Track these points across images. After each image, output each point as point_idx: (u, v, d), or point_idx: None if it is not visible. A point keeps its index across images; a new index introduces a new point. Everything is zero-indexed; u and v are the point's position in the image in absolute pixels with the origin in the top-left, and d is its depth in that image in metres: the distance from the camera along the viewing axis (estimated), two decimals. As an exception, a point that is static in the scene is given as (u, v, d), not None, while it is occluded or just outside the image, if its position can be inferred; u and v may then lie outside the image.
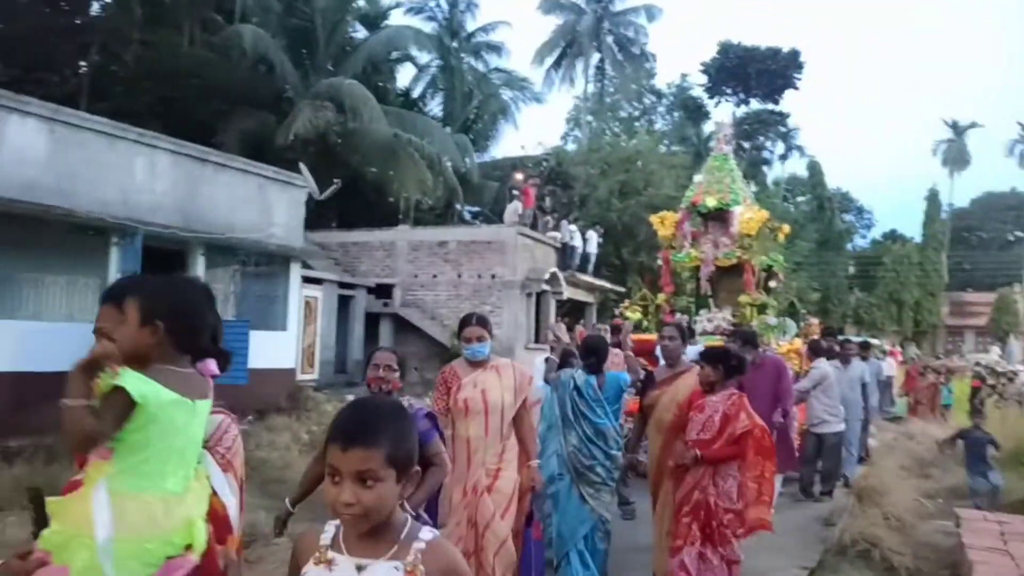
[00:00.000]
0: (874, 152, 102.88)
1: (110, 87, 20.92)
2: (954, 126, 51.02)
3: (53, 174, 9.56)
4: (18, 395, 8.76)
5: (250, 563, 5.25)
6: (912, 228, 47.21)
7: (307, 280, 14.35)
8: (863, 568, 5.50)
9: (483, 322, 3.95)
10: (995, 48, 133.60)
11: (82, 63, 20.80)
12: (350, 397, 12.60)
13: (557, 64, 37.63)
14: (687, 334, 5.08)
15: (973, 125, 50.91)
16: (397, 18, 27.44)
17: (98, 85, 20.68)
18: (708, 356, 4.54)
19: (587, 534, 4.69)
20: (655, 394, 4.82)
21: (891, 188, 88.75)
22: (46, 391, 9.81)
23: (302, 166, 15.27)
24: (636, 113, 42.67)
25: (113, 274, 10.15)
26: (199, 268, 11.60)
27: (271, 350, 12.15)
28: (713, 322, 8.99)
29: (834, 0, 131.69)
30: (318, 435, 9.54)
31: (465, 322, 3.98)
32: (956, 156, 50.46)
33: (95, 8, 22.24)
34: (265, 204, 12.88)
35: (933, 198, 42.22)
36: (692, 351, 7.46)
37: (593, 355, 5.13)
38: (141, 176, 10.79)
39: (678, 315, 9.27)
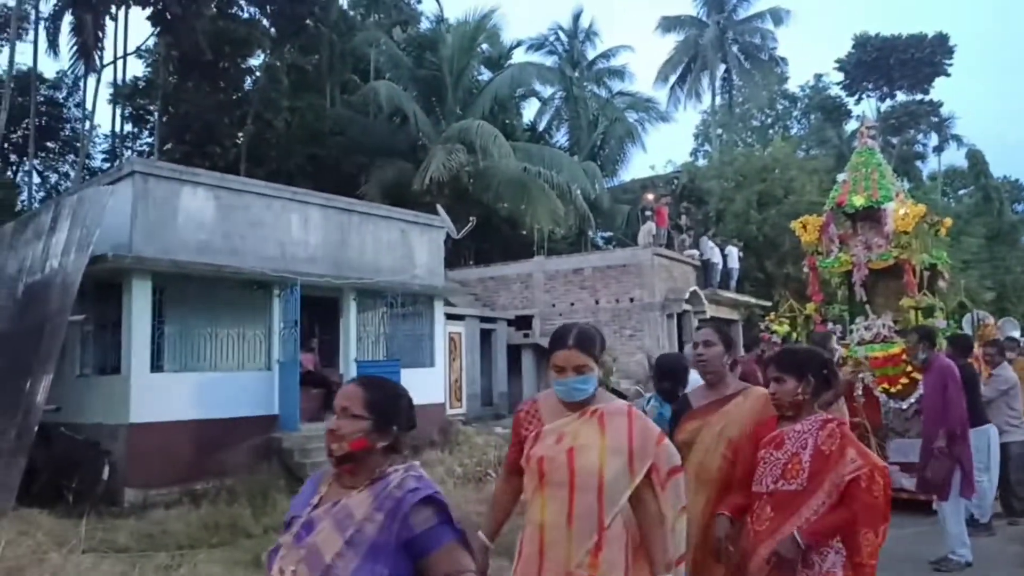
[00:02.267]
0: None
1: (265, 152, 22.96)
2: None
3: (221, 235, 10.57)
4: (200, 441, 9.65)
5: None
6: (1102, 212, 41.97)
7: (450, 317, 14.84)
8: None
9: (585, 342, 2.55)
10: None
11: (239, 134, 22.91)
12: (498, 430, 12.88)
13: (681, 80, 37.06)
14: (731, 340, 3.44)
15: None
16: (519, 56, 28.26)
17: (254, 152, 22.72)
18: (785, 362, 3.03)
19: None
20: (692, 427, 3.28)
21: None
22: (224, 436, 10.76)
23: (439, 208, 15.93)
24: (769, 120, 41.15)
25: (277, 323, 11.02)
26: (351, 311, 12.33)
27: (421, 386, 12.61)
28: (872, 329, 8.40)
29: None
30: (471, 468, 9.79)
31: (557, 340, 2.58)
32: None
33: (248, 83, 24.52)
34: (407, 247, 13.53)
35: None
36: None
37: (668, 379, 4.07)
38: (296, 231, 11.68)
39: (830, 325, 8.76)
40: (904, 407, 7.73)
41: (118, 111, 24.67)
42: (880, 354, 7.96)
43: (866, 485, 2.76)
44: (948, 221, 9.41)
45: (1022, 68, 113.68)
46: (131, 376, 9.38)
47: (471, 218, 17.65)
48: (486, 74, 26.24)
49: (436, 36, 24.64)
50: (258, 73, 24.26)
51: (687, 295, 17.17)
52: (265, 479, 9.23)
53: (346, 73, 25.61)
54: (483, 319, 16.91)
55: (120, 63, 23.82)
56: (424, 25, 28.43)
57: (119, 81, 24.12)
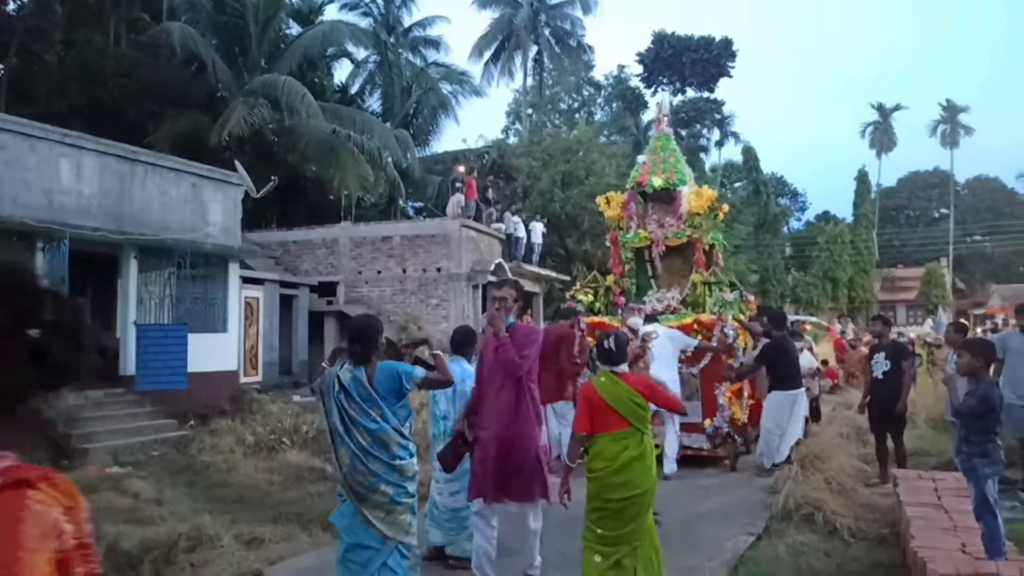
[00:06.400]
0: (806, 137, 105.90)
1: (32, 89, 20.09)
2: (880, 109, 52.73)
3: (-30, 178, 9.14)
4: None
5: (195, 567, 5.13)
6: (843, 209, 48.85)
7: (247, 281, 14.03)
8: (807, 531, 5.66)
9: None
10: (917, 31, 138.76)
11: (0, 65, 19.91)
12: (296, 398, 12.43)
13: (496, 58, 37.56)
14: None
15: (898, 107, 52.73)
16: (332, 13, 27.04)
17: (19, 87, 19.83)
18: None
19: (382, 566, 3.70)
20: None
21: (823, 171, 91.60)
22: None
23: (237, 164, 14.91)
24: (575, 105, 42.97)
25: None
26: (132, 271, 11.24)
27: (211, 353, 11.85)
28: (663, 302, 9.08)
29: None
30: (264, 436, 9.37)
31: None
32: (883, 138, 52.20)
33: (11, 7, 21.31)
34: (200, 204, 12.54)
35: (862, 179, 43.72)
36: (656, 329, 7.56)
37: (356, 342, 3.87)
38: (67, 178, 10.39)
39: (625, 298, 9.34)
40: (694, 372, 8.42)
41: None
42: (674, 324, 8.47)
43: None
44: (727, 207, 10.36)
45: (793, 76, 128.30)
46: None
47: (272, 178, 16.70)
48: (296, 28, 24.84)
49: (239, -20, 22.87)
50: (24, -1, 21.15)
51: (492, 267, 17.57)
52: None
53: (134, 11, 23.02)
54: (284, 284, 16.17)
55: None
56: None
57: None
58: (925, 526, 5.40)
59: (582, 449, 4.14)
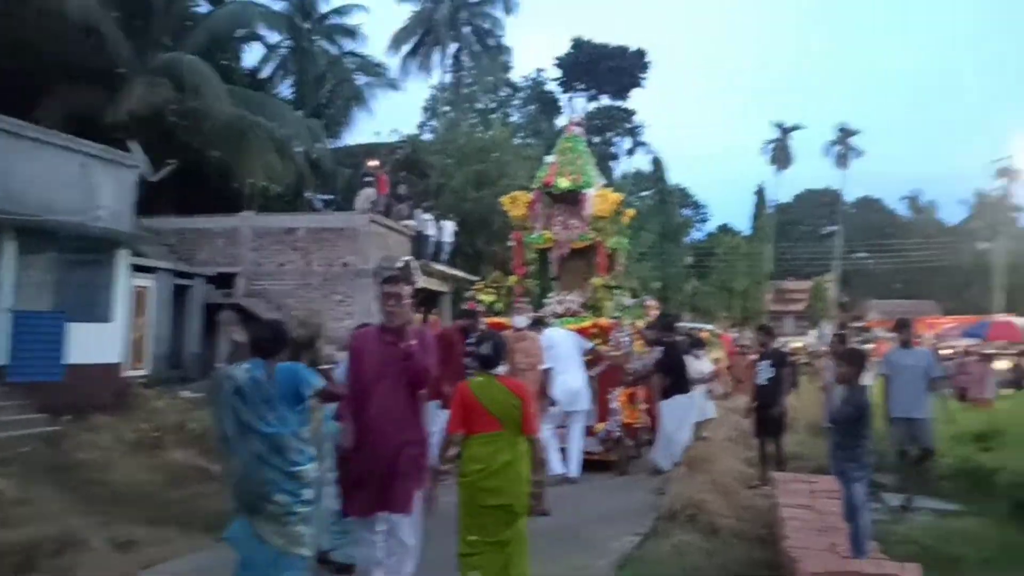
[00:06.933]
0: (711, 151, 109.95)
1: None
2: (780, 127, 55.52)
3: None
4: None
5: (61, 572, 4.83)
6: (742, 222, 51.16)
7: (138, 269, 13.33)
8: (691, 531, 5.86)
9: None
10: (816, 53, 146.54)
11: None
12: (185, 393, 11.88)
13: (414, 52, 37.22)
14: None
15: (796, 127, 55.69)
16: (243, -7, 26.00)
17: None
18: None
19: None
20: None
21: (725, 184, 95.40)
22: None
23: (133, 144, 14.15)
24: (493, 105, 43.07)
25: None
26: (11, 254, 10.47)
27: (93, 343, 11.18)
28: (563, 304, 9.17)
29: (681, 4, 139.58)
30: (146, 434, 8.90)
31: None
32: (781, 155, 54.95)
33: None
34: (89, 185, 11.82)
35: (761, 194, 45.87)
36: (548, 334, 7.63)
37: (266, 340, 3.75)
38: (-66, 150, 9.58)
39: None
40: (592, 375, 8.49)
41: None
42: (573, 327, 8.56)
43: None
44: (631, 212, 10.55)
45: (702, 92, 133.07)
46: None
47: (169, 161, 15.93)
48: (205, 6, 23.80)
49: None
50: None
51: (400, 264, 17.36)
52: None
53: (23, -28, 21.45)
54: (178, 274, 15.46)
55: None
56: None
57: None
58: (798, 527, 5.68)
59: (455, 452, 4.09)
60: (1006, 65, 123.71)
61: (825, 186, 60.19)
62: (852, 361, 5.07)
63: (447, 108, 38.28)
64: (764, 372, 7.94)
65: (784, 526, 5.61)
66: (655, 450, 8.10)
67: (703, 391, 8.63)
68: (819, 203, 59.89)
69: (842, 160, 55.60)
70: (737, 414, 11.19)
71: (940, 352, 17.43)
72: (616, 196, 9.69)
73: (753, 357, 15.38)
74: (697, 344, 9.15)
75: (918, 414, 7.31)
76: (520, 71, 43.86)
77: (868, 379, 12.58)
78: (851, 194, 60.58)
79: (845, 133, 55.32)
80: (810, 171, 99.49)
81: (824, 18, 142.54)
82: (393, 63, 35.06)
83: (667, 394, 8.02)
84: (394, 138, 28.08)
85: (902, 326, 7.96)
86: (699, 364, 8.64)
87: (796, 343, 27.19)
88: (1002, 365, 17.11)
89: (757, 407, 8.02)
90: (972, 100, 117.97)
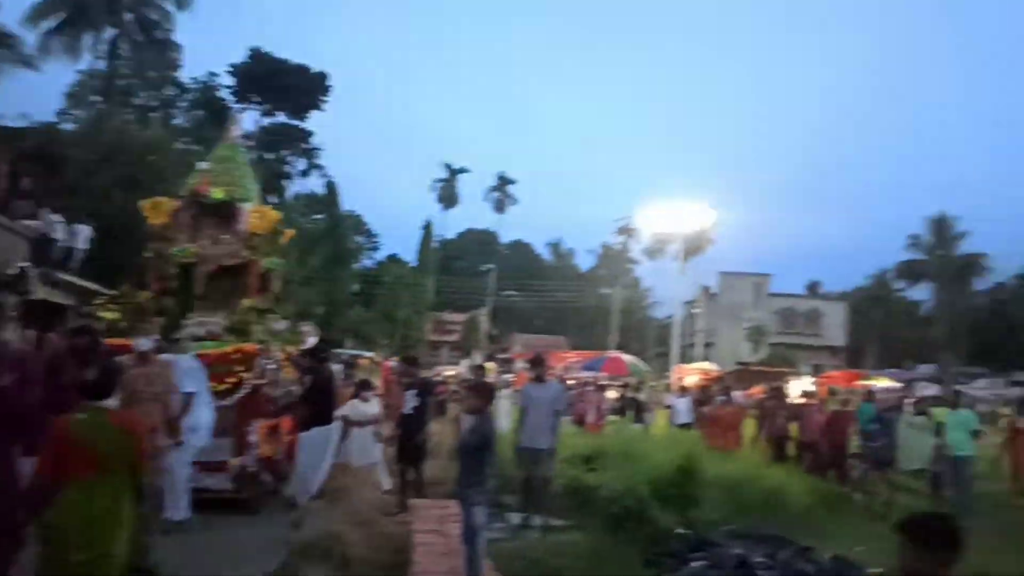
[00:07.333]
0: (388, 183, 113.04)
1: None
2: (448, 168, 59.26)
3: None
4: None
5: None
6: (410, 253, 53.19)
7: None
8: (322, 566, 5.83)
9: None
10: (482, 101, 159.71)
11: None
12: None
13: (59, 29, 32.22)
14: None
15: (463, 170, 59.89)
16: None
17: None
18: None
19: None
20: None
21: (398, 216, 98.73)
22: None
23: None
24: (155, 103, 39.07)
25: None
26: None
27: None
28: (205, 326, 8.43)
29: (367, 33, 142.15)
30: None
31: None
32: (448, 195, 58.60)
33: None
34: None
35: (428, 229, 48.43)
36: (183, 360, 6.99)
37: None
38: None
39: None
40: (228, 404, 7.76)
41: None
42: (213, 352, 7.85)
43: None
44: (291, 232, 10.11)
45: (381, 123, 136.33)
46: None
47: None
48: None
49: None
50: None
51: (13, 271, 14.76)
52: None
53: None
54: None
55: None
56: None
57: None
58: (427, 551, 6.02)
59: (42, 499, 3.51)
60: (639, 131, 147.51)
61: (485, 227, 65.53)
62: (480, 393, 5.53)
63: (98, 98, 33.81)
64: (410, 401, 8.27)
65: (415, 552, 5.89)
66: (291, 483, 7.87)
67: (371, 432, 8.57)
68: (478, 242, 64.92)
69: (500, 205, 61.10)
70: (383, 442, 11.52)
71: (567, 382, 19.89)
72: (275, 214, 9.18)
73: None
74: (364, 386, 9.05)
75: (542, 444, 7.94)
76: (191, 72, 40.44)
77: (504, 409, 13.94)
78: (507, 236, 66.80)
79: (503, 181, 61.02)
80: (474, 212, 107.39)
81: (487, 68, 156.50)
82: (31, 36, 29.94)
83: (308, 425, 7.88)
84: (22, 123, 23.96)
85: (536, 362, 8.77)
86: (366, 407, 8.61)
87: (449, 371, 28.85)
88: (612, 395, 19.95)
89: (400, 435, 8.29)
90: (606, 160, 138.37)
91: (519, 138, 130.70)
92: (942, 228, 53.50)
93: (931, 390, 28.71)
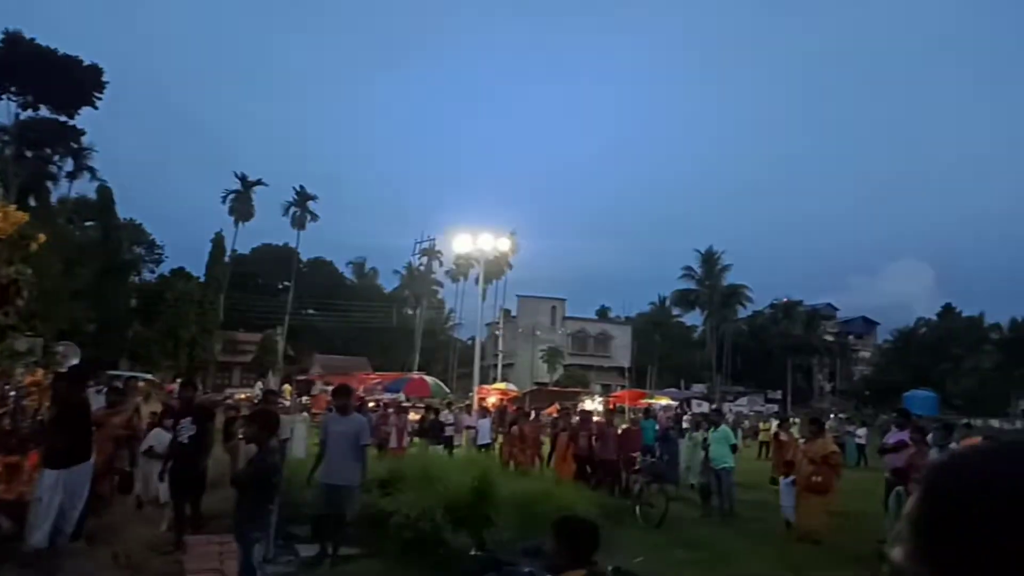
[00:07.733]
0: (175, 191, 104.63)
1: None
2: (243, 180, 55.76)
3: None
4: None
5: None
6: (201, 268, 49.24)
7: None
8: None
9: None
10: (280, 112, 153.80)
11: None
12: None
13: None
14: None
15: (259, 182, 56.57)
16: None
17: None
18: None
19: None
20: None
21: (186, 227, 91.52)
22: None
23: None
24: None
25: None
26: None
27: None
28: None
29: (162, 36, 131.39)
30: None
31: None
32: (242, 208, 55.07)
33: None
34: None
35: (218, 242, 45.22)
36: None
37: None
38: None
39: None
40: None
41: None
42: None
43: None
44: (41, 237, 8.90)
45: (168, 131, 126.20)
46: None
47: None
48: None
49: None
50: None
51: None
52: None
53: None
54: None
55: None
56: None
57: None
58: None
59: None
60: (446, 157, 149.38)
61: (284, 243, 62.47)
62: (262, 422, 5.05)
63: None
64: (185, 430, 7.49)
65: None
66: (29, 527, 6.69)
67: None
68: (276, 258, 61.69)
69: (299, 221, 58.55)
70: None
71: (369, 405, 19.33)
72: (20, 215, 8.01)
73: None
74: (167, 413, 8.18)
75: (345, 481, 7.35)
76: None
77: (300, 435, 13.19)
78: (307, 253, 64.14)
79: (303, 196, 58.57)
80: (271, 226, 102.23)
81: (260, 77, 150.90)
82: None
83: (56, 460, 6.81)
84: None
85: (339, 394, 8.07)
86: (166, 436, 7.72)
87: (241, 395, 27.05)
88: (414, 416, 19.64)
89: (173, 467, 7.48)
90: (411, 185, 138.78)
91: (320, 157, 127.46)
92: (710, 261, 59.77)
93: (704, 407, 31.69)
